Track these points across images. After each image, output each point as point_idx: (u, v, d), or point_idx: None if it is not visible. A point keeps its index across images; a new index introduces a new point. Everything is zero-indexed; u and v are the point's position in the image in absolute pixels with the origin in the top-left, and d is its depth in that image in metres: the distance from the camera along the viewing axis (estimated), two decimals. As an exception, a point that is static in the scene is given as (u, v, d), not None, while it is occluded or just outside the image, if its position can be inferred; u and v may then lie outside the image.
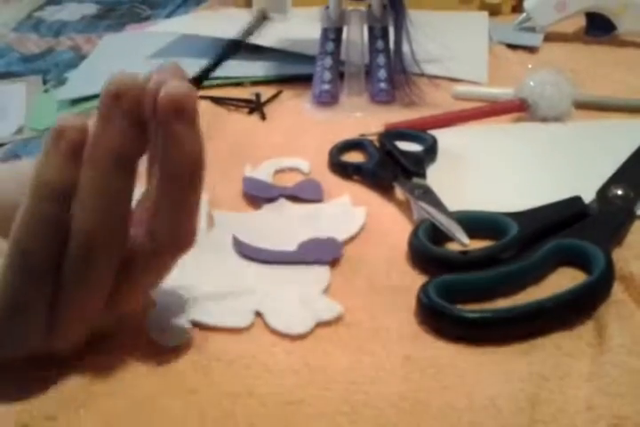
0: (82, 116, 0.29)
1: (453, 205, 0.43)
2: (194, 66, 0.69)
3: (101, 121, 0.28)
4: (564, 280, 0.39)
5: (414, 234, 0.42)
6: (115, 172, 0.28)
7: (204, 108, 0.62)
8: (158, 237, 0.30)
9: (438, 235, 0.42)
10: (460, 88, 0.62)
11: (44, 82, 0.74)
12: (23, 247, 0.29)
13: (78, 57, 0.80)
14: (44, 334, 0.31)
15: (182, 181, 0.29)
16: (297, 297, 0.38)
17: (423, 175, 0.47)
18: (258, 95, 0.63)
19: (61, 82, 0.72)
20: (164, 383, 0.33)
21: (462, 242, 0.41)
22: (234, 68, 0.68)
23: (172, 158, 0.29)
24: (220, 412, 0.32)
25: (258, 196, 0.47)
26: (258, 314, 0.37)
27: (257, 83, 0.66)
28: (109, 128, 0.28)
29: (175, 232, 0.30)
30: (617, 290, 0.38)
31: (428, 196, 0.44)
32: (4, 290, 0.29)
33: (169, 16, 0.94)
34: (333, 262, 0.41)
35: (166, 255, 0.31)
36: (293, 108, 0.61)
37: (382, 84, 0.60)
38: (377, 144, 0.52)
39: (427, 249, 0.40)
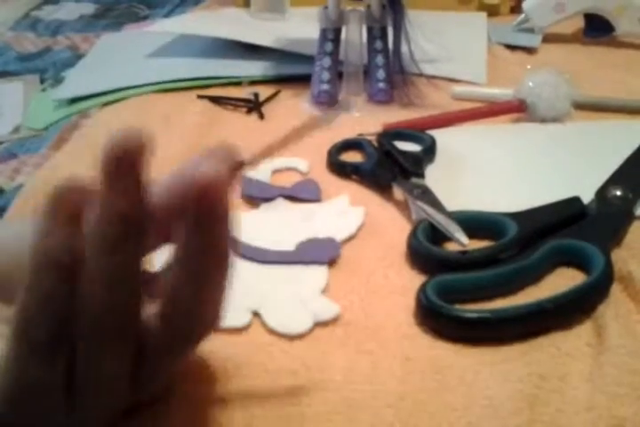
0: (81, 178, 0.25)
1: (452, 205, 0.43)
2: (191, 66, 0.69)
3: (106, 182, 0.25)
4: (562, 280, 0.39)
5: (413, 234, 0.41)
6: (123, 238, 0.25)
7: (203, 107, 0.61)
8: (173, 326, 0.27)
9: (437, 235, 0.41)
10: (459, 88, 0.62)
11: (42, 81, 0.74)
12: (27, 328, 0.26)
13: (76, 56, 0.80)
14: (67, 416, 0.28)
15: (204, 276, 0.26)
16: (295, 297, 0.38)
17: (422, 175, 0.47)
18: (256, 95, 0.63)
19: (59, 81, 0.72)
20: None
21: (461, 242, 0.40)
22: (232, 67, 0.68)
23: (195, 252, 0.26)
24: (217, 412, 0.31)
25: (256, 195, 0.47)
26: (255, 314, 0.37)
27: (255, 82, 0.66)
28: (115, 190, 0.25)
29: (193, 321, 0.27)
30: (616, 290, 0.38)
31: (427, 196, 0.44)
32: (12, 372, 0.26)
33: (167, 16, 0.94)
34: (331, 262, 0.41)
35: (181, 344, 0.28)
36: (292, 107, 0.61)
37: (381, 85, 0.60)
38: (375, 144, 0.52)
39: (425, 249, 0.40)
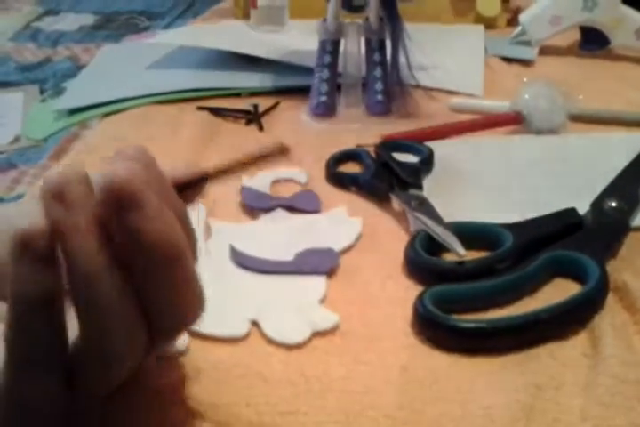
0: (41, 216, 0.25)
1: (449, 215, 0.44)
2: (191, 77, 0.69)
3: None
4: (558, 291, 0.39)
5: (410, 244, 0.42)
6: (105, 271, 0.25)
7: (202, 118, 0.62)
8: (153, 321, 0.27)
9: (434, 245, 0.42)
10: (457, 100, 0.63)
11: (42, 91, 0.74)
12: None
13: (76, 67, 0.80)
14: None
15: (157, 273, 0.26)
16: (293, 307, 0.38)
17: (419, 186, 0.48)
18: (255, 106, 0.63)
19: (59, 92, 0.72)
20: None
21: (458, 253, 0.41)
22: (232, 78, 0.69)
23: (129, 252, 0.26)
24: (215, 422, 0.32)
25: (255, 206, 0.47)
26: (254, 323, 0.37)
27: (255, 94, 0.66)
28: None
29: (168, 316, 0.28)
30: (611, 301, 0.38)
31: (425, 207, 0.45)
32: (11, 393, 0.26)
33: (167, 27, 0.94)
34: (330, 272, 0.41)
35: (169, 334, 0.29)
36: (291, 119, 0.62)
37: (379, 96, 0.60)
38: (373, 155, 0.53)
39: (423, 259, 0.41)
